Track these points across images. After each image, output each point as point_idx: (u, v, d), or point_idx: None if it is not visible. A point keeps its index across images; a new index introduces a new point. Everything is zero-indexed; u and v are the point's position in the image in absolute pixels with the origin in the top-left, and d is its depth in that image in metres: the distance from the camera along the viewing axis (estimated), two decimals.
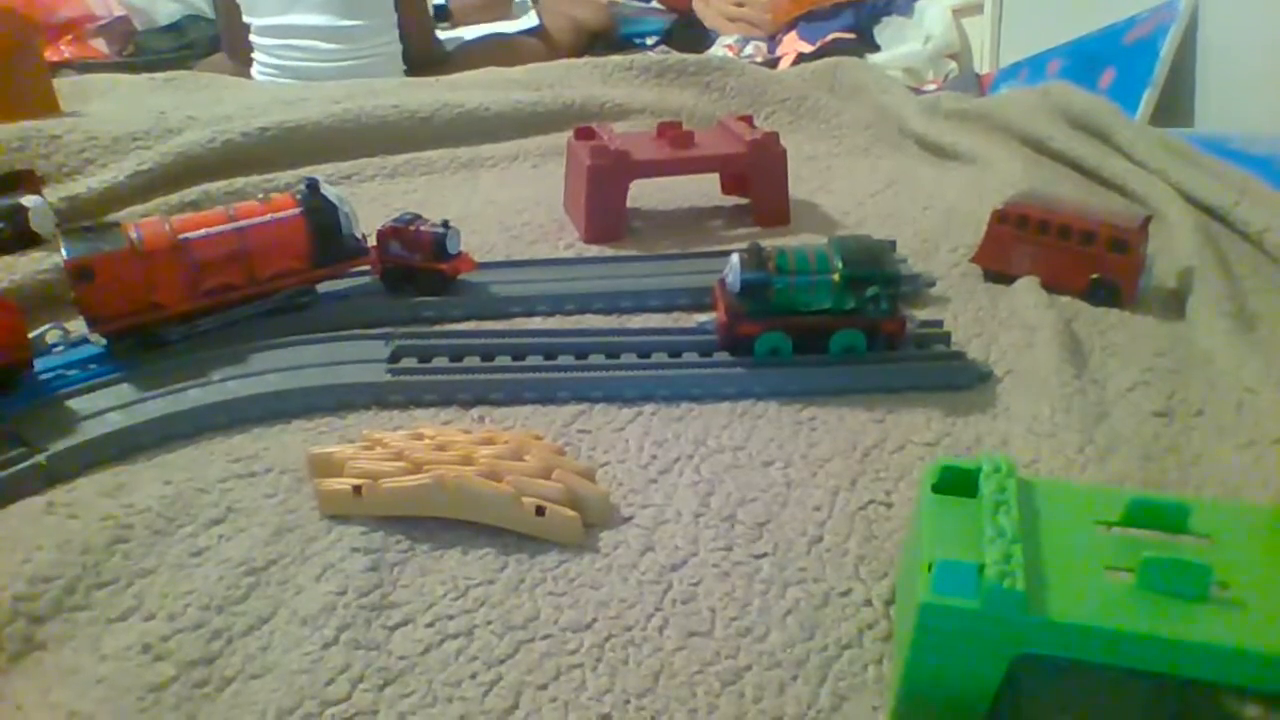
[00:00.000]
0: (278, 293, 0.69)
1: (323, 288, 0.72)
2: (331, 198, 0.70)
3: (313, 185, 0.70)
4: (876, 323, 0.62)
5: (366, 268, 0.73)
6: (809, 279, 0.61)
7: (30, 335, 0.61)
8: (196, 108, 1.04)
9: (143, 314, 0.64)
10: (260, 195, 0.74)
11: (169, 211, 0.82)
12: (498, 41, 2.05)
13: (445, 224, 0.71)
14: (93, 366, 0.63)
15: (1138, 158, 0.97)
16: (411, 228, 0.71)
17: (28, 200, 0.78)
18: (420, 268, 0.71)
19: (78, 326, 0.64)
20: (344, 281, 0.73)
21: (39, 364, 0.61)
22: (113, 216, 0.83)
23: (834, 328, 0.62)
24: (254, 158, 0.97)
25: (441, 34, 2.03)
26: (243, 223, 0.67)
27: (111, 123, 0.95)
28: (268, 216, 0.68)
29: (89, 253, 0.61)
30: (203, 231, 0.65)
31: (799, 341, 0.62)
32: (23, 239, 0.77)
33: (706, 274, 0.74)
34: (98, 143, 0.91)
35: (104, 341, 0.64)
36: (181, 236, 0.64)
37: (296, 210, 0.69)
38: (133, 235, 0.63)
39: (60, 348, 0.64)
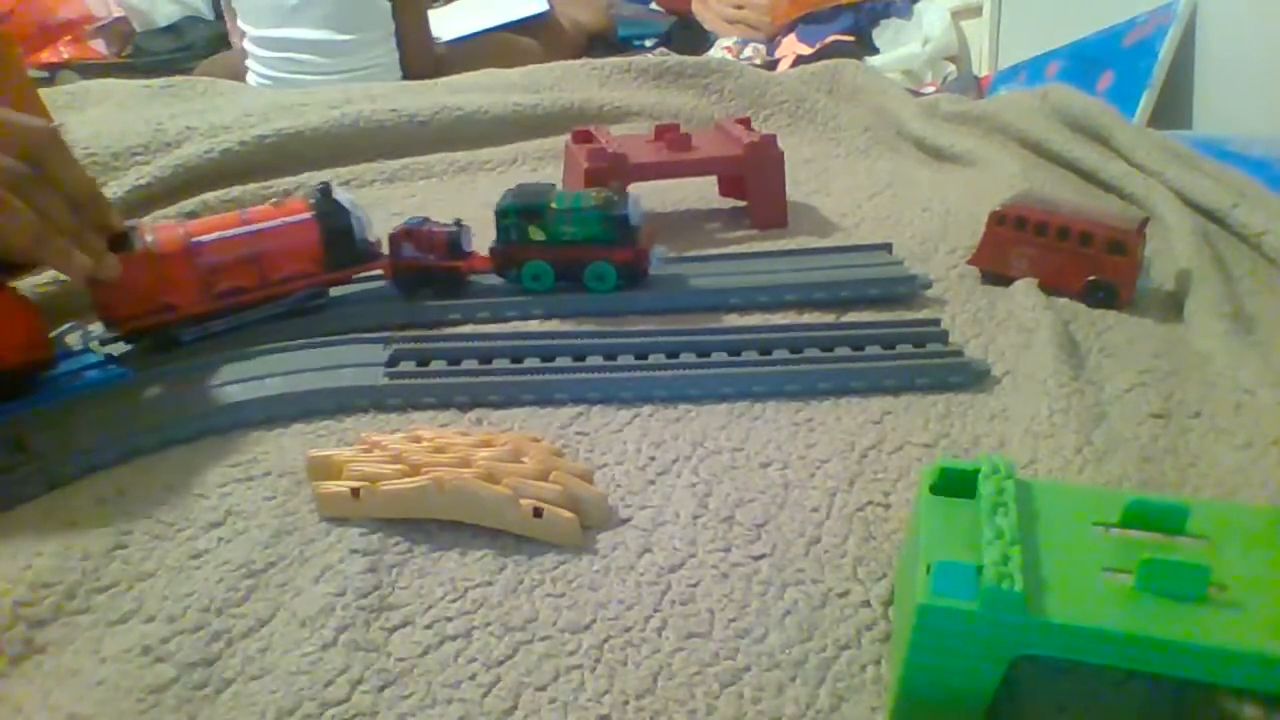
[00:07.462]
0: (290, 295, 0.70)
1: (334, 291, 0.72)
2: (344, 202, 0.70)
3: (325, 189, 0.71)
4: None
5: (379, 271, 0.73)
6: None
7: (52, 335, 0.61)
8: (194, 116, 1.03)
9: (156, 315, 0.65)
10: (272, 201, 0.74)
11: None
12: (495, 41, 2.05)
13: (458, 223, 0.72)
14: (92, 373, 0.62)
15: (1136, 160, 0.97)
16: (424, 229, 0.71)
17: None
18: (437, 267, 0.72)
19: (96, 328, 0.65)
20: (354, 285, 0.74)
21: None
22: None
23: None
24: (252, 165, 0.96)
25: (435, 14, 2.02)
26: (255, 226, 0.67)
27: (109, 137, 0.95)
28: (280, 220, 0.68)
29: None
30: (216, 235, 0.66)
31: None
32: None
33: (702, 276, 0.74)
34: (96, 159, 0.91)
35: (122, 345, 0.65)
36: (195, 240, 0.65)
37: (308, 214, 0.69)
38: (147, 238, 0.64)
39: (81, 349, 0.64)
